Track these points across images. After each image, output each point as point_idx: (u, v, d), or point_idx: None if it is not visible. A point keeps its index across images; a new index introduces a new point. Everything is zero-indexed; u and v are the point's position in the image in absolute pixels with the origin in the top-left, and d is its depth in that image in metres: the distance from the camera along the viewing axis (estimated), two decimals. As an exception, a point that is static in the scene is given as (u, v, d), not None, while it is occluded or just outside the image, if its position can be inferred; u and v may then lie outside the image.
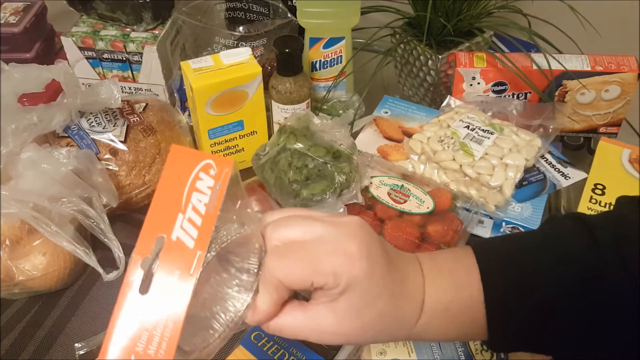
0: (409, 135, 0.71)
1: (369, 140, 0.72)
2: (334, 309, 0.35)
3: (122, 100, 0.68)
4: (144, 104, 0.73)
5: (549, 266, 0.36)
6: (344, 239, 0.35)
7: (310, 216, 0.37)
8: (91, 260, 0.60)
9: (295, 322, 0.36)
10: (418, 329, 0.37)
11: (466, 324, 0.37)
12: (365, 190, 0.64)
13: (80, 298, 0.63)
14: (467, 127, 0.67)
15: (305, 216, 0.37)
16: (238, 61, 0.69)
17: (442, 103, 0.76)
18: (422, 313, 0.36)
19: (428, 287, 0.37)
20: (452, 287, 0.37)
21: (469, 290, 0.36)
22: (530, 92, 0.74)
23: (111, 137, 0.68)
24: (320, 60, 0.80)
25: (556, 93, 0.73)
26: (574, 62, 0.72)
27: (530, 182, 0.65)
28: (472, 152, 0.64)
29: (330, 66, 0.81)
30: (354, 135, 0.74)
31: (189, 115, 0.79)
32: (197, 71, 0.68)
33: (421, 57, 0.80)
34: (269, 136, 0.77)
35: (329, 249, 0.35)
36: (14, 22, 0.84)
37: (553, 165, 0.68)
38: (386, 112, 0.77)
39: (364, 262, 0.34)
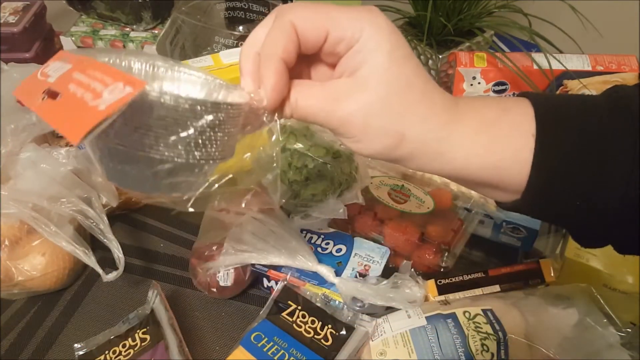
0: (409, 135, 0.71)
1: (369, 140, 0.72)
2: (355, 76, 0.31)
3: (121, 100, 0.68)
4: (144, 104, 0.73)
5: (614, 133, 0.31)
6: (370, 12, 0.31)
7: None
8: (90, 261, 0.60)
9: (311, 90, 0.32)
10: (449, 129, 0.32)
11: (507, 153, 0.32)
12: (365, 191, 0.64)
13: (79, 298, 0.62)
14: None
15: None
16: (238, 61, 0.69)
17: (442, 103, 0.76)
18: (457, 125, 0.32)
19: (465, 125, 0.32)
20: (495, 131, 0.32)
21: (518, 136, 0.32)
22: (530, 92, 0.74)
23: (111, 137, 0.68)
24: (320, 60, 0.80)
25: (557, 93, 0.73)
26: (575, 62, 0.72)
27: (531, 182, 0.65)
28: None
29: (330, 66, 0.81)
30: (354, 135, 0.74)
31: (189, 115, 0.79)
32: (197, 71, 0.68)
33: (421, 57, 0.79)
34: (269, 136, 0.76)
35: (351, 9, 0.31)
36: (14, 21, 0.84)
37: (553, 165, 0.68)
38: (386, 112, 0.77)
39: (389, 29, 0.31)
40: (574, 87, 0.72)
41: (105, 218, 0.62)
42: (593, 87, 0.72)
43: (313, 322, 0.54)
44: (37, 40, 0.87)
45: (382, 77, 0.31)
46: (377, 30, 0.31)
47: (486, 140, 0.32)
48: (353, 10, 0.31)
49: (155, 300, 0.57)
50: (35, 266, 0.59)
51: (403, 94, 0.31)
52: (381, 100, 0.31)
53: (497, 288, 0.56)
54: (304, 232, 0.62)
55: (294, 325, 0.54)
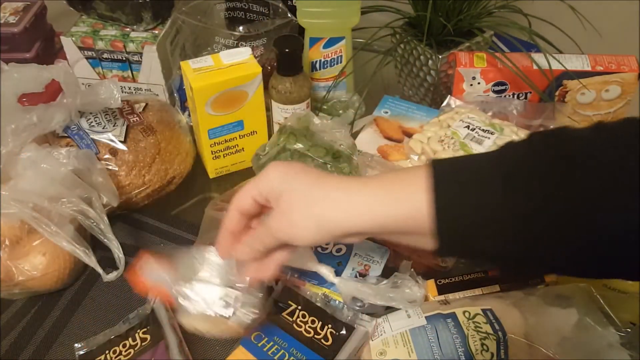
0: (409, 135, 0.71)
1: (369, 140, 0.72)
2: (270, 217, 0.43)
3: (121, 100, 0.68)
4: (144, 104, 0.73)
5: (498, 182, 0.36)
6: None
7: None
8: (91, 261, 0.60)
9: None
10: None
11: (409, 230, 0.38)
12: (365, 190, 0.64)
13: (80, 298, 0.62)
14: (468, 127, 0.67)
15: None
16: (238, 61, 0.69)
17: (442, 103, 0.76)
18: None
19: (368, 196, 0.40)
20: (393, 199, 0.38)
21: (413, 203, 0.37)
22: (530, 92, 0.74)
23: (111, 137, 0.68)
24: (320, 60, 0.80)
25: (556, 93, 0.73)
26: (574, 62, 0.72)
27: (531, 182, 0.65)
28: (472, 152, 0.64)
29: (330, 66, 0.81)
30: (354, 135, 0.74)
31: (189, 115, 0.79)
32: (197, 71, 0.68)
33: (421, 57, 0.79)
34: (269, 136, 0.77)
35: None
36: (14, 22, 0.84)
37: (553, 165, 0.68)
38: (386, 112, 0.77)
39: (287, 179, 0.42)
40: (574, 87, 0.72)
41: (106, 218, 0.62)
42: (592, 87, 0.72)
43: (313, 321, 0.54)
44: (38, 41, 0.87)
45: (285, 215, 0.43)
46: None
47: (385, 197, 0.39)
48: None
49: (155, 300, 0.57)
50: (35, 266, 0.59)
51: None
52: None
53: (496, 288, 0.56)
54: (304, 232, 0.62)
55: (294, 325, 0.54)
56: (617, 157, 0.34)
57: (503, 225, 0.35)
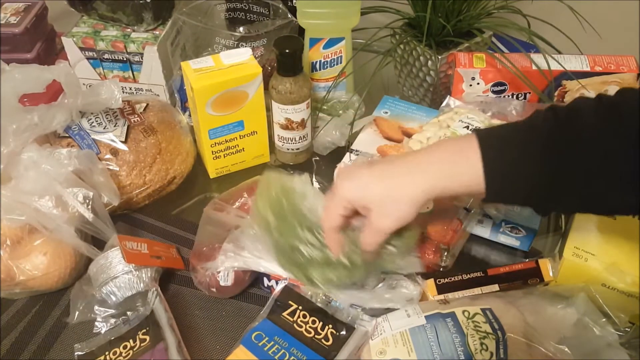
0: (409, 135, 0.71)
1: (369, 141, 0.73)
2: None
3: (122, 101, 0.68)
4: (145, 104, 0.73)
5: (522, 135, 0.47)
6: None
7: None
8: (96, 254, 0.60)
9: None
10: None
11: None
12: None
13: (81, 298, 0.63)
14: (467, 127, 0.67)
15: None
16: (238, 61, 0.70)
17: (441, 103, 0.76)
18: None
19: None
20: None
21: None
22: (529, 93, 0.75)
23: (112, 137, 0.68)
24: (320, 61, 0.80)
25: (555, 93, 0.74)
26: (573, 63, 0.72)
27: (530, 182, 0.65)
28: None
29: (330, 66, 0.81)
30: (354, 136, 0.74)
31: (190, 115, 0.79)
32: (198, 71, 0.68)
33: (421, 58, 0.80)
34: (269, 136, 0.77)
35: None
36: (15, 22, 0.84)
37: (552, 165, 0.68)
38: (386, 113, 0.77)
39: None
40: (573, 87, 0.72)
41: (108, 214, 0.62)
42: (592, 88, 0.72)
43: (314, 322, 0.54)
44: (39, 41, 0.87)
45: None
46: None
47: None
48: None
49: (155, 301, 0.58)
50: (37, 265, 0.60)
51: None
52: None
53: (496, 287, 0.57)
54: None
55: (295, 325, 0.54)
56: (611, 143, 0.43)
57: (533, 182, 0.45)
